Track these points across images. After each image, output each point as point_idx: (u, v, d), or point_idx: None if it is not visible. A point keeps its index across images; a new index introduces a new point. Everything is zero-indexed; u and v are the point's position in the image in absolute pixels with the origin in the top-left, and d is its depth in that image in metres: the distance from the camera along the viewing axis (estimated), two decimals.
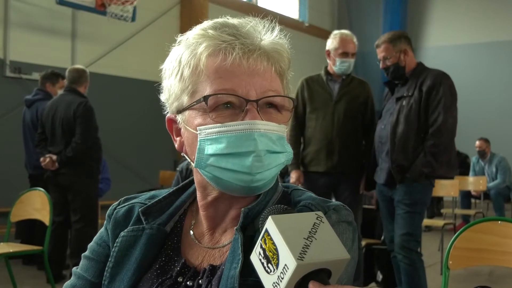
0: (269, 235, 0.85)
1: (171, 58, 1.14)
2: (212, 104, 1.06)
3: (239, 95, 1.06)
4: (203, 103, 1.06)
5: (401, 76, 4.15)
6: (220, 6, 11.17)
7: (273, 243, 0.84)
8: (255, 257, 0.88)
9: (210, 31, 1.08)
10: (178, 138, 1.16)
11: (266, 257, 0.85)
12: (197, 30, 1.11)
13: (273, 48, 1.11)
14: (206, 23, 1.12)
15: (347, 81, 4.59)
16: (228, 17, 1.15)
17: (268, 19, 1.14)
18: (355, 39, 4.60)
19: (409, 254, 4.02)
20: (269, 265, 0.84)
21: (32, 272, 5.90)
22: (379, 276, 5.02)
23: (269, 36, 1.12)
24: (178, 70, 1.10)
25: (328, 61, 4.62)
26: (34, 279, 5.63)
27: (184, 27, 10.43)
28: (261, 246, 0.87)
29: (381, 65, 4.21)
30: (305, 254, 0.81)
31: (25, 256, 6.07)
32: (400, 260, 4.05)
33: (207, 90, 1.06)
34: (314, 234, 0.85)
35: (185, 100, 1.10)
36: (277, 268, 0.83)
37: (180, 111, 1.12)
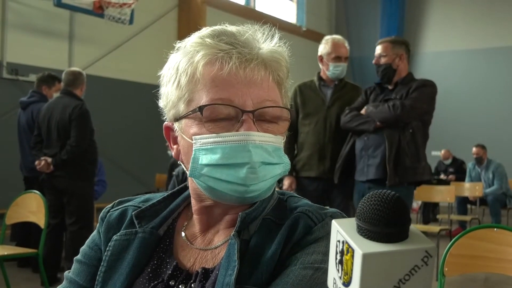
0: (353, 259, 0.68)
1: (169, 65, 1.13)
2: (208, 115, 1.05)
3: (235, 105, 1.05)
4: (199, 113, 1.05)
5: (390, 79, 4.21)
6: (218, 10, 11.20)
7: (352, 270, 0.68)
8: (333, 248, 0.73)
9: (208, 40, 1.07)
10: (175, 146, 1.16)
11: (341, 262, 0.71)
12: (194, 37, 1.10)
13: (272, 57, 1.10)
14: (204, 31, 1.11)
15: (340, 86, 4.59)
16: (226, 24, 1.14)
17: (267, 26, 1.13)
18: (346, 44, 4.62)
19: None
20: (340, 268, 0.71)
21: (27, 274, 5.88)
22: None
23: (268, 44, 1.11)
24: (175, 78, 1.09)
25: (320, 66, 4.62)
26: (29, 281, 5.61)
27: (182, 30, 10.48)
28: (341, 253, 0.71)
29: (374, 61, 4.26)
30: None
31: (20, 259, 6.04)
32: None
33: (203, 99, 1.06)
34: (405, 283, 0.66)
35: (182, 108, 1.09)
36: (343, 286, 0.70)
37: (177, 119, 1.11)
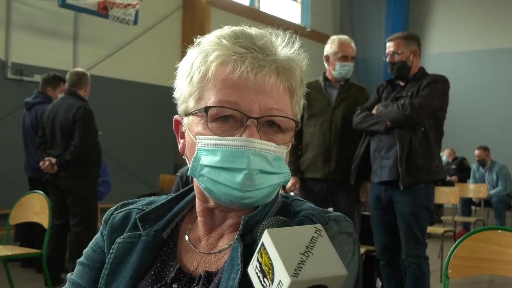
0: (265, 249, 0.84)
1: (186, 60, 1.14)
2: (213, 115, 1.05)
3: (241, 110, 1.05)
4: (204, 112, 1.06)
5: (404, 76, 4.16)
6: (222, 11, 11.19)
7: (269, 258, 0.82)
8: (252, 270, 0.87)
9: (224, 41, 1.07)
10: (182, 140, 1.16)
11: (262, 271, 0.84)
12: (212, 36, 1.11)
13: (286, 65, 1.09)
14: (224, 30, 1.11)
15: (345, 87, 4.56)
16: (247, 26, 1.13)
17: (289, 33, 1.13)
18: (353, 44, 4.59)
19: (418, 261, 4.04)
20: (265, 279, 0.83)
21: (30, 275, 5.89)
22: (378, 283, 5.00)
23: (286, 51, 1.10)
24: (189, 74, 1.10)
25: (326, 66, 4.59)
26: (33, 282, 5.62)
27: (186, 31, 10.49)
28: (257, 260, 0.85)
29: (388, 59, 4.19)
30: (300, 270, 0.79)
31: (24, 259, 6.05)
32: (408, 266, 4.06)
33: (211, 99, 1.06)
34: (312, 248, 0.83)
35: (191, 104, 1.10)
36: (272, 283, 0.81)
37: (186, 114, 1.12)
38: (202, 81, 1.08)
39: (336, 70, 4.49)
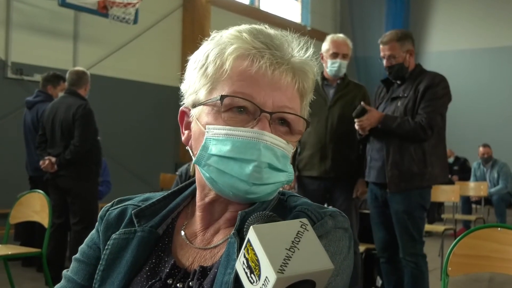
0: (251, 245, 0.84)
1: (200, 52, 1.14)
2: (227, 105, 1.06)
3: (255, 103, 1.06)
4: (218, 101, 1.06)
5: (403, 76, 4.14)
6: (222, 10, 11.18)
7: (255, 254, 0.83)
8: (239, 266, 0.87)
9: (245, 35, 1.09)
10: (186, 132, 1.17)
11: (249, 267, 0.84)
12: (232, 30, 1.12)
13: (301, 67, 1.11)
14: (244, 26, 1.13)
15: (342, 85, 4.57)
16: (266, 26, 1.15)
17: (305, 38, 1.15)
18: (348, 42, 4.59)
19: (415, 259, 4.02)
20: (252, 275, 0.83)
21: (31, 274, 5.89)
22: (379, 282, 5.00)
23: (301, 55, 1.12)
24: (203, 65, 1.11)
25: (323, 65, 4.62)
26: (33, 281, 5.62)
27: (186, 30, 10.48)
28: (244, 256, 0.86)
29: (385, 63, 4.15)
30: (286, 266, 0.80)
31: (24, 258, 6.06)
32: (405, 265, 4.06)
33: (225, 90, 1.07)
34: (297, 243, 0.83)
35: (202, 95, 1.11)
36: (259, 279, 0.82)
37: (195, 105, 1.12)
38: (217, 72, 1.09)
39: (328, 67, 4.53)
